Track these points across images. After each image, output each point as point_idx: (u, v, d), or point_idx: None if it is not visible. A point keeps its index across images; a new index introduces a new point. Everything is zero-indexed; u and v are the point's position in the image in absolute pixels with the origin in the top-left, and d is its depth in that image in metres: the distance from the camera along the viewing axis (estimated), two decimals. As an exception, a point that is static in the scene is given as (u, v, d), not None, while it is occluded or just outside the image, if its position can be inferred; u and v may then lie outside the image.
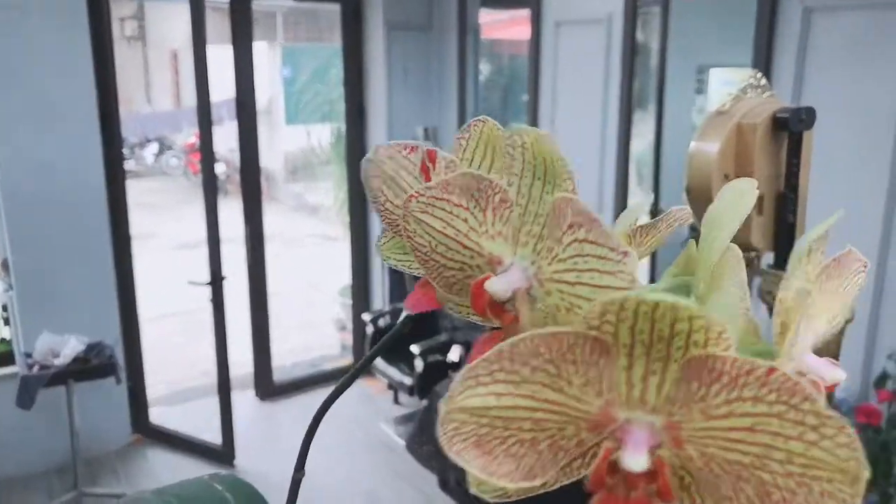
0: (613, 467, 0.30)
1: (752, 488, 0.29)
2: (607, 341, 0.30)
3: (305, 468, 0.48)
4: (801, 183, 1.04)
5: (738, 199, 0.38)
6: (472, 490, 0.36)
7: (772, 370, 0.28)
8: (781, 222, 1.04)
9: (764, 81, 1.05)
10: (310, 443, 0.47)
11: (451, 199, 0.38)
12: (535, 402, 0.31)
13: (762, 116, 1.01)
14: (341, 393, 0.46)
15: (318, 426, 0.47)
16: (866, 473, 0.27)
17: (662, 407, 0.30)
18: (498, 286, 0.36)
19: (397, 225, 0.41)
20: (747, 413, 0.28)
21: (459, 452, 0.32)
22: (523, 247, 0.37)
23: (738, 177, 1.13)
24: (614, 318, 0.29)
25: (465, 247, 0.39)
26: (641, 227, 0.45)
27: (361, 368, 0.48)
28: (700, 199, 1.03)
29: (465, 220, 0.38)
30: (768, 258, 1.09)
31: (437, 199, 0.38)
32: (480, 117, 0.41)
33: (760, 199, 1.03)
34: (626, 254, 0.32)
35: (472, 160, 0.41)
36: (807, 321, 0.37)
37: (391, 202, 0.44)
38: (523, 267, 0.37)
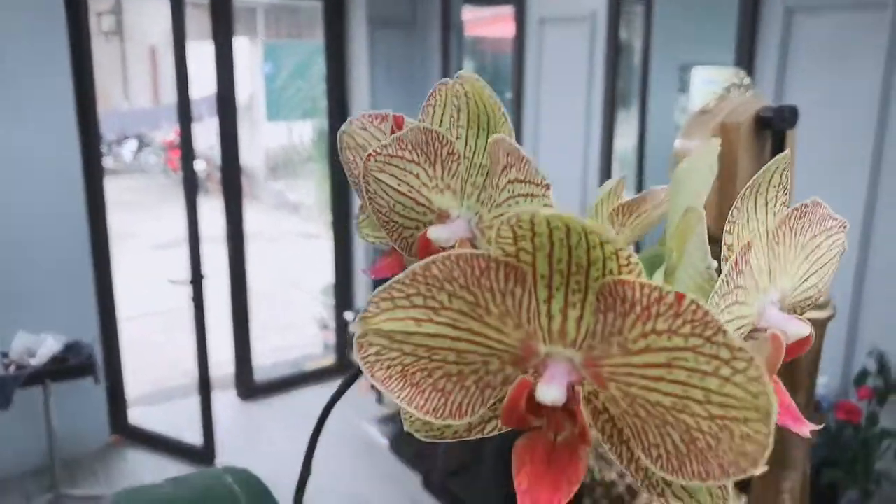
0: (535, 405, 0.29)
1: (678, 434, 0.28)
2: (523, 269, 0.29)
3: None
4: (784, 181, 1.04)
5: (700, 160, 0.37)
6: (406, 427, 0.35)
7: (681, 296, 0.26)
8: (765, 221, 1.04)
9: (748, 80, 1.05)
10: (316, 442, 0.47)
11: (404, 156, 0.38)
12: (456, 331, 0.30)
13: (746, 115, 1.01)
14: (350, 386, 0.45)
15: (322, 425, 0.47)
16: (776, 408, 0.26)
17: (583, 342, 0.29)
18: (440, 233, 0.36)
19: None
20: (663, 347, 0.27)
21: (384, 381, 0.30)
22: (469, 198, 0.37)
23: (723, 175, 1.13)
24: (529, 245, 0.28)
25: (419, 203, 0.39)
26: (623, 204, 0.44)
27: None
28: (685, 197, 1.03)
29: (417, 176, 0.38)
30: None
31: (391, 156, 0.38)
32: (444, 80, 0.40)
33: (745, 197, 1.02)
34: (547, 186, 0.32)
35: (440, 125, 0.40)
36: (767, 273, 0.35)
37: None
38: (468, 218, 0.37)
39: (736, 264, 0.32)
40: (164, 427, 3.40)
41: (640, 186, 3.41)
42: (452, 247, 0.36)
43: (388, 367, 0.30)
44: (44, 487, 2.98)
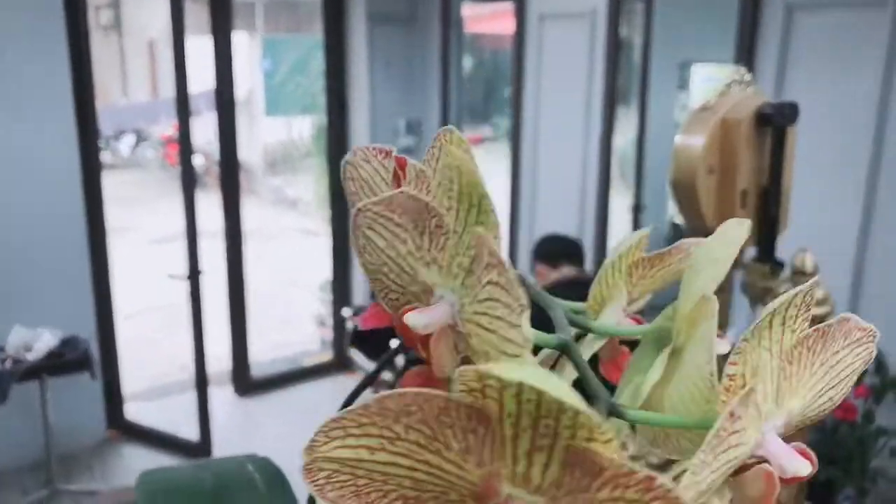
0: None
1: None
2: (488, 408, 0.27)
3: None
4: (784, 177, 1.03)
5: (723, 247, 0.35)
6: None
7: (651, 479, 0.25)
8: (764, 216, 1.04)
9: (748, 77, 1.05)
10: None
11: (394, 219, 0.36)
12: (413, 462, 0.29)
13: (746, 112, 1.01)
14: (371, 384, 0.45)
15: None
16: None
17: (547, 489, 0.27)
18: (417, 320, 0.33)
19: None
20: None
21: (336, 500, 0.29)
22: (454, 279, 0.35)
23: (723, 171, 1.12)
24: (496, 392, 0.27)
25: (404, 271, 0.37)
26: (646, 258, 0.40)
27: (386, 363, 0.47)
28: (685, 192, 1.02)
29: (405, 242, 0.36)
30: (751, 252, 1.09)
31: (380, 215, 0.36)
32: (448, 127, 0.38)
33: (744, 192, 1.02)
34: (524, 307, 0.30)
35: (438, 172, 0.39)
36: (773, 397, 0.33)
37: None
38: (451, 301, 0.34)
39: (731, 414, 0.30)
40: (160, 422, 3.40)
41: (638, 183, 3.40)
42: (432, 334, 0.34)
43: (341, 488, 0.29)
44: (40, 482, 2.98)
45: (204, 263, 3.12)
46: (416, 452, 0.28)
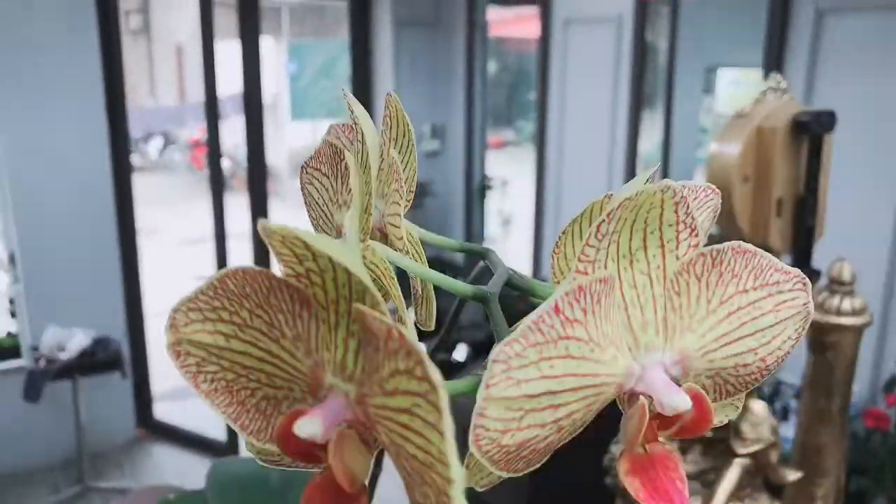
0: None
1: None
2: (308, 291, 0.26)
3: None
4: (820, 186, 1.03)
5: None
6: (248, 450, 0.32)
7: (389, 328, 0.23)
8: (800, 225, 1.03)
9: (784, 85, 1.05)
10: None
11: (321, 169, 0.38)
12: (260, 353, 0.28)
13: (782, 119, 1.00)
14: (446, 343, 0.45)
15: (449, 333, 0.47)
16: (457, 479, 0.22)
17: (359, 375, 0.26)
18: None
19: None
20: (407, 391, 0.23)
21: (209, 394, 0.29)
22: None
23: (758, 179, 1.12)
24: (315, 265, 0.26)
25: (328, 219, 0.38)
26: None
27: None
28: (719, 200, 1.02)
29: (327, 189, 0.38)
30: (786, 260, 1.09)
31: (313, 168, 0.38)
32: (388, 92, 0.41)
33: (779, 201, 1.02)
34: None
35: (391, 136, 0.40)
36: (657, 328, 0.29)
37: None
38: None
39: (557, 309, 0.26)
40: (188, 422, 3.44)
41: (664, 188, 3.38)
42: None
43: (213, 381, 0.29)
44: (71, 480, 3.03)
45: (232, 265, 3.16)
46: (260, 341, 0.28)
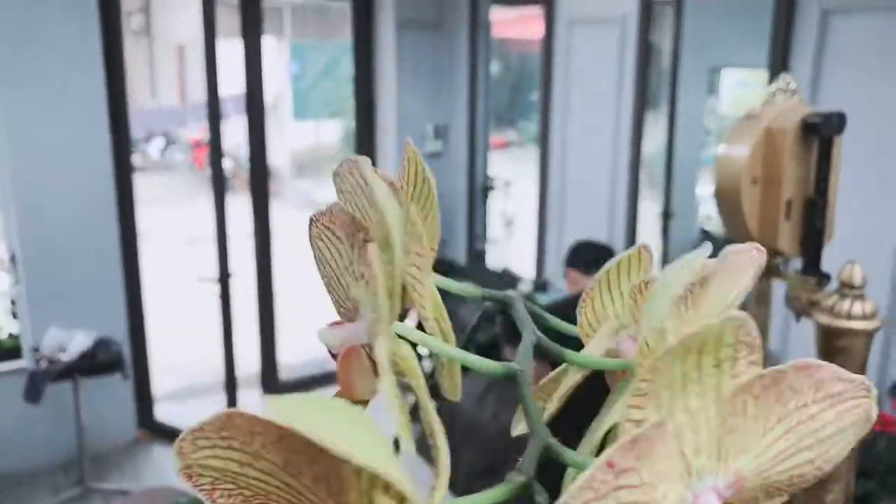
0: None
1: None
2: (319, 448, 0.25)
3: None
4: (829, 188, 1.02)
5: (679, 277, 0.32)
6: None
7: None
8: (809, 227, 1.02)
9: (793, 86, 1.03)
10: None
11: (334, 231, 0.35)
12: (278, 482, 0.27)
13: (792, 121, 0.99)
14: (476, 330, 0.44)
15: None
16: None
17: None
18: (328, 337, 0.31)
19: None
20: None
21: None
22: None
23: (767, 181, 1.11)
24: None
25: (341, 284, 0.36)
26: (647, 282, 0.36)
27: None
28: (728, 203, 1.01)
29: (341, 255, 0.36)
30: (796, 264, 1.08)
31: (325, 227, 0.36)
32: (407, 138, 0.38)
33: (788, 203, 1.01)
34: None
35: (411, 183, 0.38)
36: (709, 452, 0.28)
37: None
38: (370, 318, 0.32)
39: (610, 465, 0.25)
40: (189, 423, 3.42)
41: (667, 189, 3.37)
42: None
43: (230, 496, 0.28)
44: (72, 481, 3.02)
45: (233, 266, 3.15)
46: (277, 473, 0.27)
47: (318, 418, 0.23)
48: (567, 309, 0.40)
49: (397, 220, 0.33)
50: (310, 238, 0.36)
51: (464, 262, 3.78)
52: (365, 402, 0.29)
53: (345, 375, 0.30)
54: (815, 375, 0.29)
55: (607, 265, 0.34)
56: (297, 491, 0.27)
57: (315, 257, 0.37)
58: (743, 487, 0.29)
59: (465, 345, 0.39)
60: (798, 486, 0.31)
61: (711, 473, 0.28)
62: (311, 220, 0.36)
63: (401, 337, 0.32)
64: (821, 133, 0.97)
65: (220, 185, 3.12)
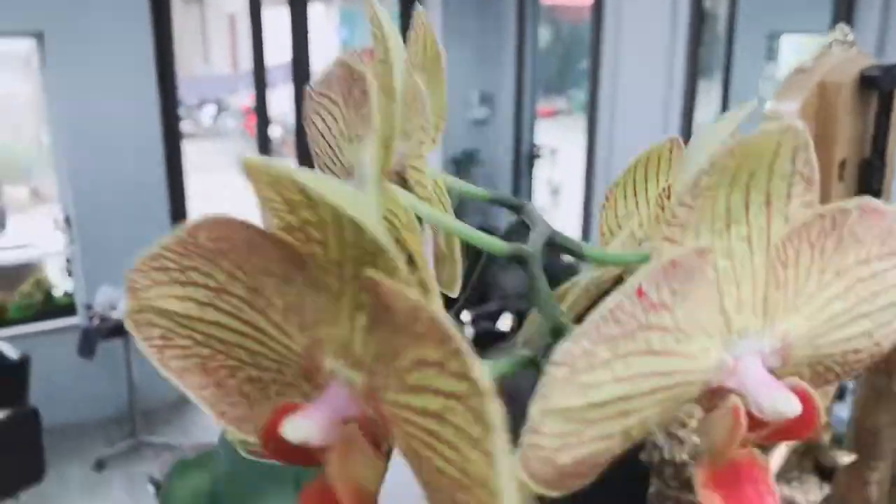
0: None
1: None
2: (299, 249, 0.21)
3: None
4: (889, 147, 0.96)
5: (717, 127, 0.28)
6: (228, 437, 0.26)
7: (420, 308, 0.18)
8: (865, 190, 0.97)
9: (851, 37, 0.97)
10: None
11: (330, 96, 0.32)
12: (242, 325, 0.23)
13: (849, 74, 0.93)
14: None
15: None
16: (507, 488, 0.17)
17: (370, 362, 0.20)
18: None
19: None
20: (439, 390, 0.18)
21: (180, 373, 0.23)
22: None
23: (819, 140, 1.06)
24: (313, 215, 0.20)
25: (337, 155, 0.34)
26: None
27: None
28: (776, 162, 0.97)
29: (337, 121, 0.32)
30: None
31: (321, 95, 0.33)
32: (420, 10, 0.35)
33: (842, 164, 0.96)
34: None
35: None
36: (754, 308, 0.23)
37: None
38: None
39: (640, 293, 0.20)
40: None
41: (719, 160, 3.28)
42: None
43: (184, 358, 0.24)
44: (124, 433, 3.14)
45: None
46: (242, 310, 0.23)
47: (306, 176, 0.19)
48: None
49: (402, 65, 0.31)
50: (304, 118, 0.34)
51: (505, 229, 3.75)
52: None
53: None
54: (882, 223, 0.24)
55: (631, 160, 0.29)
56: (264, 333, 0.23)
57: (309, 140, 0.35)
58: (790, 356, 0.24)
59: (477, 281, 0.36)
60: (851, 369, 0.25)
61: (755, 335, 0.23)
62: (308, 94, 0.33)
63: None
64: (880, 87, 0.91)
65: (266, 152, 3.15)
